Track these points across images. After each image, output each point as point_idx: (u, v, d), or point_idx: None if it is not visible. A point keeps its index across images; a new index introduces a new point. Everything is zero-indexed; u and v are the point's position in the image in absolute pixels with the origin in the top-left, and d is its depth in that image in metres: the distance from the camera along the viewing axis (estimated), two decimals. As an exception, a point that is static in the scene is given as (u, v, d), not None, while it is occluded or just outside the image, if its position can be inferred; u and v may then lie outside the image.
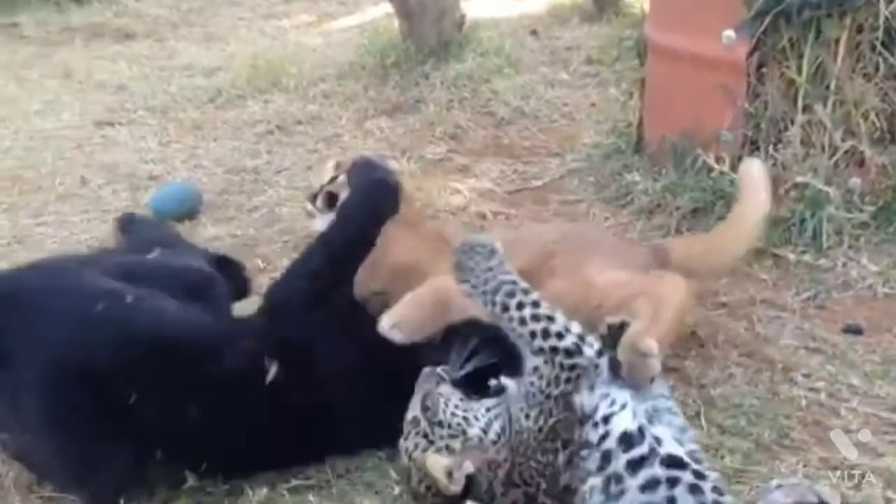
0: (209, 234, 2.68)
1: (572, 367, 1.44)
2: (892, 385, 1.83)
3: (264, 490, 1.59)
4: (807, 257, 2.34)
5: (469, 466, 1.44)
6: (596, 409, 1.42)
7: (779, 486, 1.36)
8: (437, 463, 1.43)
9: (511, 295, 1.48)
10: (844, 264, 2.29)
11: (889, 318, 2.08)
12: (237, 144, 3.46)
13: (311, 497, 1.59)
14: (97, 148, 3.46)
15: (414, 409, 1.53)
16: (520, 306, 1.48)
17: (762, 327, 2.06)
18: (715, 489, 1.33)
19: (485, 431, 1.46)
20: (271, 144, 3.47)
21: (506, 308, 1.48)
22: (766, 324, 2.09)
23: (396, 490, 1.58)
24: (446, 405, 1.49)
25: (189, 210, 2.82)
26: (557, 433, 1.43)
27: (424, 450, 1.47)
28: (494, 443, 1.46)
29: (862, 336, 2.01)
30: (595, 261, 1.85)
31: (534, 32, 4.70)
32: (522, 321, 1.47)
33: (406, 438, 1.51)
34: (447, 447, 1.46)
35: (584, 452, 1.40)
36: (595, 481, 1.36)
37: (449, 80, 3.93)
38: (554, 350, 1.45)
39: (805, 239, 2.37)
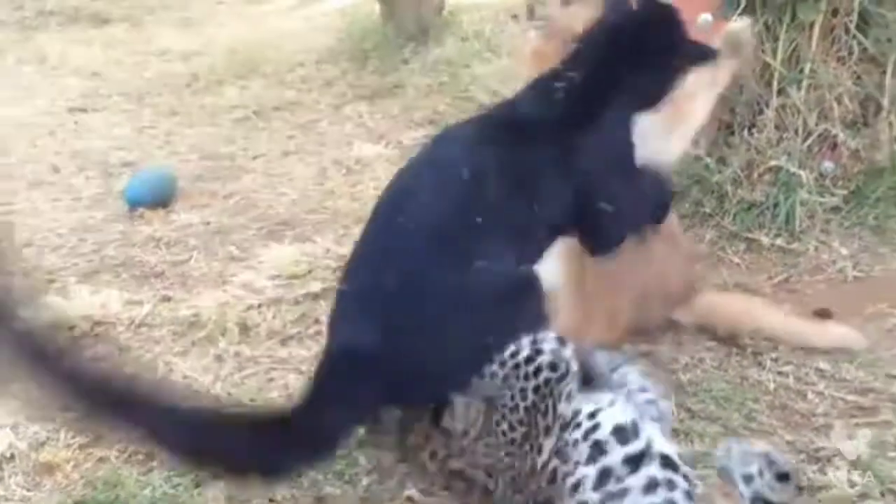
0: (182, 222, 2.65)
1: (537, 371, 1.42)
2: (859, 369, 1.84)
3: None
4: (780, 241, 2.34)
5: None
6: (579, 411, 1.41)
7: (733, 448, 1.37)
8: None
9: None
10: (816, 248, 2.31)
11: (858, 301, 2.09)
12: (213, 130, 3.43)
13: (280, 487, 1.58)
14: (70, 135, 3.43)
15: None
16: None
17: (734, 312, 2.07)
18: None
19: None
20: (248, 130, 3.45)
21: None
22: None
23: (365, 480, 1.58)
24: None
25: (164, 197, 2.79)
26: (529, 438, 1.42)
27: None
28: None
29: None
30: None
31: (514, 17, 4.68)
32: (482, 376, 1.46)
33: None
34: None
35: (567, 450, 1.39)
36: (586, 471, 1.33)
37: (428, 65, 3.92)
38: (517, 367, 1.44)
39: (778, 223, 2.38)
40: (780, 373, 1.84)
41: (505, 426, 1.43)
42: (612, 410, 1.40)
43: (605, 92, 1.63)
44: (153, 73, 4.12)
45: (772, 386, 1.80)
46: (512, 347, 1.45)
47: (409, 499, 1.53)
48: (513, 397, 1.43)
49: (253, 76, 4.01)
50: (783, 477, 1.33)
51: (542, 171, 1.57)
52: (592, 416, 1.39)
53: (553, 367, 1.42)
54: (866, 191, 2.45)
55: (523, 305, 1.53)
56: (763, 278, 2.22)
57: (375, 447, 1.65)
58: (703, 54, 1.68)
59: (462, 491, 1.49)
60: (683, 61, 1.67)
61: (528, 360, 1.43)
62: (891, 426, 1.67)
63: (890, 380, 1.81)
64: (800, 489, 1.37)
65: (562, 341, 1.45)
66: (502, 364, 1.45)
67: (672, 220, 2.05)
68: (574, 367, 1.44)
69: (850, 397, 1.76)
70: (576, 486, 1.34)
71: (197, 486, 1.58)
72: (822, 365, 1.85)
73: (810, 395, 1.77)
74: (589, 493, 1.32)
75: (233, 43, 4.36)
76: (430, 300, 1.46)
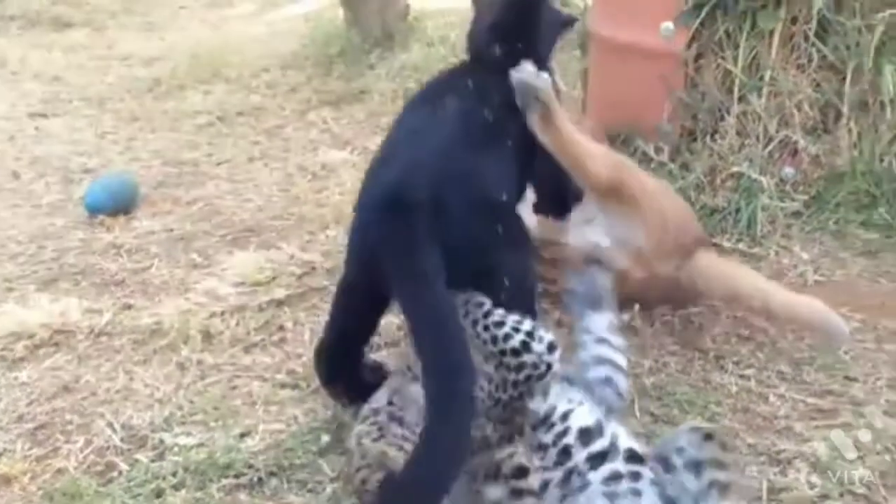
0: (144, 229, 2.62)
1: (520, 367, 1.44)
2: (820, 371, 1.86)
3: (194, 490, 1.56)
4: (742, 246, 2.37)
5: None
6: (554, 409, 1.43)
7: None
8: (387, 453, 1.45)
9: (465, 315, 1.51)
10: (777, 253, 2.33)
11: (819, 305, 2.12)
12: (176, 136, 3.39)
13: (242, 496, 1.56)
14: (30, 140, 3.37)
15: (378, 402, 1.55)
16: (474, 323, 1.49)
17: (696, 316, 2.08)
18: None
19: None
20: (212, 136, 3.41)
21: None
22: (701, 312, 2.11)
23: (329, 488, 1.57)
24: (410, 406, 1.52)
25: (126, 204, 2.75)
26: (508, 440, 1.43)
27: (375, 440, 1.47)
28: None
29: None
30: None
31: (479, 22, 4.69)
32: (476, 335, 1.48)
33: (362, 423, 1.52)
34: (401, 447, 1.46)
35: (538, 456, 1.40)
36: (552, 475, 1.36)
37: (394, 71, 3.91)
38: (502, 353, 1.45)
39: (740, 228, 2.40)
40: (742, 376, 1.86)
41: (489, 429, 1.44)
42: (580, 411, 1.42)
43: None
44: (115, 78, 4.07)
45: (734, 389, 1.82)
46: (505, 329, 1.46)
47: (374, 506, 1.52)
48: (497, 387, 1.44)
49: (216, 81, 3.97)
50: (708, 437, 1.37)
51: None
52: (565, 417, 1.41)
53: (535, 366, 1.44)
54: (826, 196, 2.49)
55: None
56: (725, 283, 2.24)
57: (339, 454, 1.65)
58: (569, 20, 2.01)
59: None
60: (557, 28, 1.97)
61: (515, 352, 1.44)
62: (850, 428, 1.69)
63: (849, 382, 1.84)
64: (724, 446, 1.39)
65: (552, 346, 1.46)
66: (494, 341, 1.45)
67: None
68: (556, 367, 1.46)
69: (811, 400, 1.78)
70: (543, 487, 1.36)
71: (158, 496, 1.56)
72: (784, 368, 1.88)
73: (772, 398, 1.79)
74: (552, 491, 1.35)
75: (195, 48, 4.32)
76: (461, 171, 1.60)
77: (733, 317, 2.07)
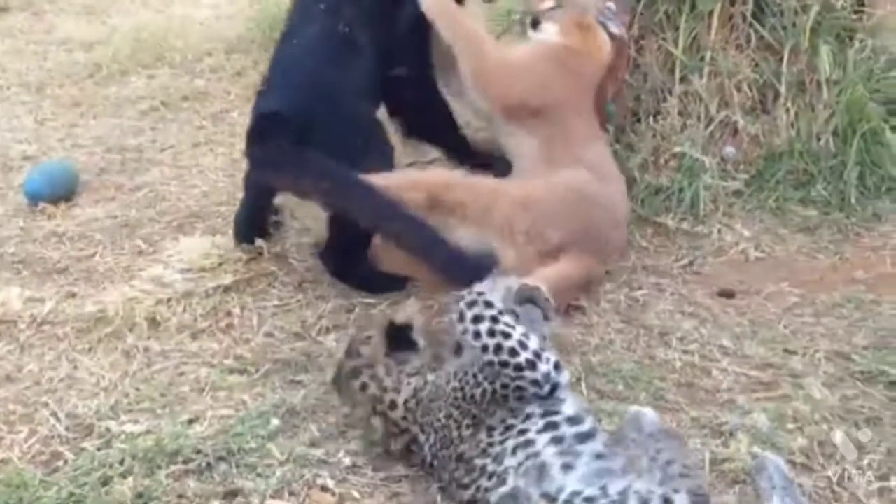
0: (86, 216, 2.56)
1: (517, 378, 1.47)
2: (760, 345, 1.91)
3: (141, 477, 1.55)
4: (685, 225, 2.41)
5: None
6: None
7: None
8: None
9: (470, 305, 1.52)
10: (720, 231, 2.38)
11: (759, 281, 2.17)
12: (118, 122, 3.32)
13: (191, 482, 1.55)
14: (-34, 128, 3.28)
15: None
16: (476, 319, 1.51)
17: (642, 294, 2.12)
18: None
19: None
20: (155, 121, 3.34)
21: (462, 318, 1.52)
22: (647, 290, 2.15)
23: (278, 472, 1.56)
24: None
25: (65, 191, 2.69)
26: (469, 410, 1.48)
27: None
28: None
29: (734, 299, 2.10)
30: None
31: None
32: (476, 334, 1.50)
33: None
34: None
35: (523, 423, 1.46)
36: (539, 436, 1.42)
37: (340, 53, 3.86)
38: (503, 364, 1.48)
39: (684, 207, 2.45)
40: (685, 351, 1.90)
41: (459, 393, 1.50)
42: (566, 405, 1.49)
43: None
44: (54, 64, 3.96)
45: (678, 364, 1.86)
46: (511, 342, 1.48)
47: (324, 488, 1.53)
48: (486, 378, 1.49)
49: (160, 66, 3.89)
50: None
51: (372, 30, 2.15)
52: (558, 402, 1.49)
53: (537, 384, 1.47)
54: (766, 174, 2.55)
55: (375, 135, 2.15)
56: (670, 260, 2.28)
57: (289, 438, 1.65)
58: None
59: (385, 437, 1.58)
60: None
61: (518, 367, 1.47)
62: (789, 400, 1.75)
63: (788, 355, 1.89)
64: None
65: (558, 365, 1.50)
66: (498, 350, 1.48)
67: None
68: (563, 386, 1.51)
69: (752, 373, 1.83)
70: (526, 444, 1.42)
71: (105, 483, 1.54)
72: (726, 342, 1.92)
73: (714, 372, 1.83)
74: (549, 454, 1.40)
75: (137, 32, 4.21)
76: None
77: (678, 294, 2.11)
